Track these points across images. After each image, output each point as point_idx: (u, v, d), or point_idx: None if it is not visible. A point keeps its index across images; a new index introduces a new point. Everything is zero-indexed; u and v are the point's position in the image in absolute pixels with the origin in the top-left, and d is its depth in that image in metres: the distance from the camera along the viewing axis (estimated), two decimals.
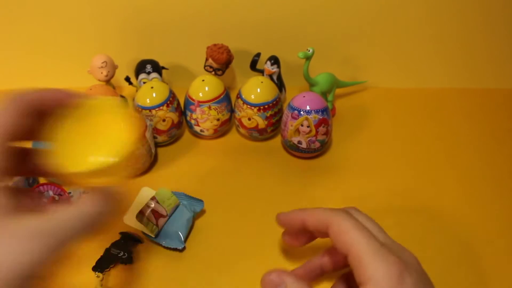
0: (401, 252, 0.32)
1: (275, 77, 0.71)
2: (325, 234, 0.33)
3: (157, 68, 0.71)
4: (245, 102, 0.62)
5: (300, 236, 0.41)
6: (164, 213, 0.49)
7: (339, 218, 0.31)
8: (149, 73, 0.69)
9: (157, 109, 0.61)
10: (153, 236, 0.48)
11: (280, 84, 0.72)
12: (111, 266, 0.45)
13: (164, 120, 0.62)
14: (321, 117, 0.58)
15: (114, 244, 0.47)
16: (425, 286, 0.29)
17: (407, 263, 0.29)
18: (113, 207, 0.28)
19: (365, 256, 0.28)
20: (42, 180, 0.58)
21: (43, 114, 0.28)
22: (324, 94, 0.70)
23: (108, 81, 0.68)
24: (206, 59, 0.67)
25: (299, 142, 0.60)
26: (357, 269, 0.28)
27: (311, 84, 0.69)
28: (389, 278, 0.27)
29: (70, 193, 0.56)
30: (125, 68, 0.73)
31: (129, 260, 0.46)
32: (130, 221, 0.49)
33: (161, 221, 0.49)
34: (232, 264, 0.47)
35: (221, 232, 0.51)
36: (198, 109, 0.63)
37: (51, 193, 0.55)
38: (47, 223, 0.25)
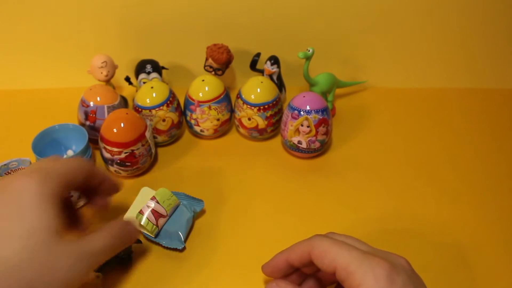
0: (387, 255, 0.32)
1: (275, 77, 0.71)
2: (311, 264, 0.33)
3: (157, 68, 0.71)
4: (245, 102, 0.62)
5: (293, 277, 0.39)
6: (164, 213, 0.49)
7: (317, 241, 0.32)
8: (149, 73, 0.69)
9: (157, 109, 0.61)
10: (153, 236, 0.48)
11: (280, 84, 0.72)
12: (111, 266, 0.45)
13: (164, 120, 0.62)
14: (321, 117, 0.58)
15: None
16: (415, 285, 0.29)
17: (394, 263, 0.29)
18: (133, 237, 0.40)
19: (351, 266, 0.28)
20: None
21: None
22: (324, 94, 0.70)
23: (108, 81, 0.68)
24: (206, 59, 0.67)
25: (299, 142, 0.60)
26: (346, 281, 0.29)
27: (311, 84, 0.69)
28: (377, 280, 0.27)
29: (70, 193, 0.56)
30: (125, 68, 0.73)
31: (128, 260, 0.46)
32: None
33: (161, 221, 0.49)
34: (232, 264, 0.47)
35: (221, 232, 0.51)
36: (198, 109, 0.63)
37: None
38: (90, 245, 0.32)
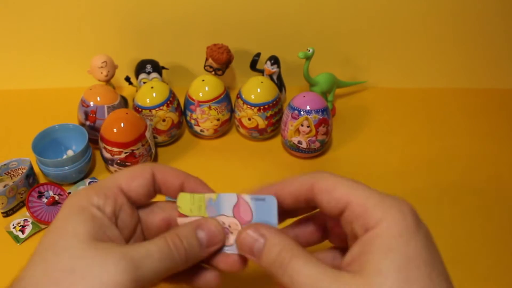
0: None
1: (275, 77, 0.71)
2: (305, 202, 0.28)
3: (157, 68, 0.71)
4: (245, 102, 0.62)
5: None
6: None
7: (323, 174, 0.27)
8: (149, 73, 0.69)
9: (157, 109, 0.61)
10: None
11: (280, 84, 0.72)
12: None
13: (164, 120, 0.62)
14: (321, 117, 0.58)
15: None
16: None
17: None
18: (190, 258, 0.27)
19: (370, 200, 0.24)
20: (42, 180, 0.59)
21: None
22: (324, 94, 0.70)
23: (108, 81, 0.68)
24: (206, 59, 0.67)
25: (299, 142, 0.60)
26: (359, 219, 0.24)
27: (311, 84, 0.69)
28: (405, 216, 0.23)
29: (70, 193, 0.56)
30: (125, 68, 0.73)
31: None
32: None
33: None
34: None
35: None
36: (198, 109, 0.63)
37: (51, 193, 0.55)
38: (133, 255, 0.24)
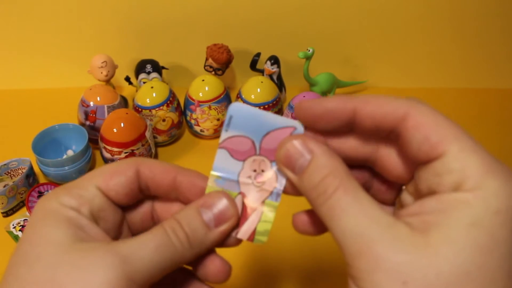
0: None
1: (275, 77, 0.71)
2: (386, 132, 0.21)
3: (157, 68, 0.71)
4: (245, 102, 0.62)
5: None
6: None
7: (423, 108, 0.20)
8: (149, 73, 0.69)
9: (157, 109, 0.61)
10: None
11: (280, 84, 0.72)
12: None
13: (164, 120, 0.62)
14: None
15: None
16: None
17: None
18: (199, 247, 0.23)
19: (474, 157, 0.19)
20: (42, 180, 0.59)
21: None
22: (324, 94, 0.70)
23: (108, 81, 0.68)
24: (206, 59, 0.67)
25: None
26: (455, 174, 0.18)
27: (311, 84, 0.69)
28: (508, 191, 0.18)
29: None
30: (125, 68, 0.73)
31: None
32: None
33: None
34: (233, 265, 0.47)
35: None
36: (198, 109, 0.63)
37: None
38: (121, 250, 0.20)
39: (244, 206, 0.24)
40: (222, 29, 0.73)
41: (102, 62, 0.65)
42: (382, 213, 0.18)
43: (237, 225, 0.24)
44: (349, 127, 0.22)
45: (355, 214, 0.19)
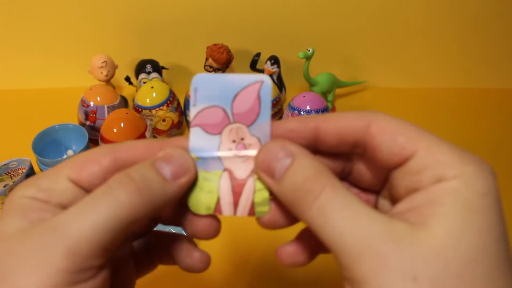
0: None
1: (275, 77, 0.71)
2: (351, 145, 0.21)
3: (157, 68, 0.71)
4: None
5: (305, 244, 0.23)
6: None
7: (383, 116, 0.21)
8: (149, 73, 0.69)
9: (157, 109, 0.61)
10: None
11: (280, 84, 0.72)
12: None
13: (164, 120, 0.62)
14: None
15: None
16: None
17: None
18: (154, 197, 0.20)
19: (445, 150, 0.19)
20: None
21: None
22: (324, 94, 0.70)
23: (108, 81, 0.68)
24: (206, 59, 0.67)
25: None
26: (431, 168, 0.19)
27: (311, 84, 0.69)
28: (486, 175, 0.19)
29: None
30: (125, 68, 0.73)
31: None
32: None
33: None
34: (233, 264, 0.47)
35: (221, 232, 0.51)
36: None
37: None
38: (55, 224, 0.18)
39: (233, 182, 0.22)
40: (222, 29, 0.73)
41: (102, 62, 0.65)
42: (375, 211, 0.18)
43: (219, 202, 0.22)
44: (314, 146, 0.22)
45: (350, 213, 0.18)
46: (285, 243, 0.23)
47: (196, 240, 0.25)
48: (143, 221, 0.21)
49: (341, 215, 0.18)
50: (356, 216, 0.17)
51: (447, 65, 0.79)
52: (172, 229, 0.48)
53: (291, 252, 0.23)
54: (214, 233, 0.23)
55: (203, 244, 0.49)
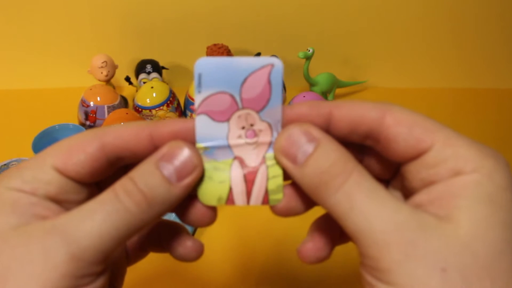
0: None
1: None
2: (363, 135, 0.20)
3: (157, 68, 0.71)
4: None
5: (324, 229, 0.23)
6: None
7: (398, 107, 0.20)
8: (149, 73, 0.69)
9: (157, 109, 0.61)
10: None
11: None
12: None
13: None
14: None
15: None
16: None
17: None
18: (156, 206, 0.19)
19: (462, 143, 0.18)
20: None
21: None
22: (324, 94, 0.70)
23: (108, 81, 0.68)
24: None
25: None
26: (449, 160, 0.18)
27: (311, 84, 0.69)
28: (506, 168, 0.18)
29: None
30: (125, 68, 0.73)
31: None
32: None
33: None
34: (233, 264, 0.47)
35: (221, 232, 0.51)
36: None
37: None
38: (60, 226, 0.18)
39: (244, 170, 0.21)
40: (222, 29, 0.73)
41: (102, 62, 0.65)
42: (400, 201, 0.17)
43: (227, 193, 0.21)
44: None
45: (378, 199, 0.17)
46: (303, 241, 0.23)
47: (201, 239, 0.25)
48: (147, 227, 0.21)
49: (369, 200, 0.17)
50: (384, 203, 0.17)
51: (447, 65, 0.79)
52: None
53: (314, 249, 0.22)
54: (211, 219, 0.22)
55: (206, 243, 0.49)
